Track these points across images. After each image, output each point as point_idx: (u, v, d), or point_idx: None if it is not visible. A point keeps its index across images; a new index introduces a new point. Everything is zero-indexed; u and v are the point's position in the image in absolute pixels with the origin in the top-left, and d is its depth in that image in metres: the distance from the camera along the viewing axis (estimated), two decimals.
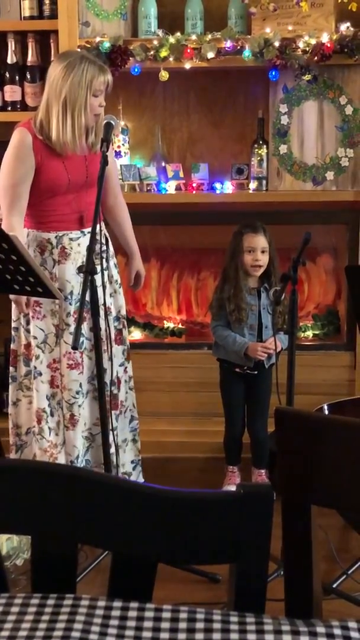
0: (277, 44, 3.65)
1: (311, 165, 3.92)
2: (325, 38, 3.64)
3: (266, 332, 3.41)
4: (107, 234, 3.20)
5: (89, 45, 3.66)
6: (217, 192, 3.96)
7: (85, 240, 2.97)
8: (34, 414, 3.14)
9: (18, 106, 3.87)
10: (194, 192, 3.97)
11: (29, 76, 3.85)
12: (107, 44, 3.69)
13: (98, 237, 2.92)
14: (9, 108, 3.88)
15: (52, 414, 3.11)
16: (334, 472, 1.33)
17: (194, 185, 3.97)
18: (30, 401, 3.15)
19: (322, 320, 4.19)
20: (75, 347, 2.59)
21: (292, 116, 3.90)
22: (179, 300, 4.27)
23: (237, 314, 3.37)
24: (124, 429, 3.27)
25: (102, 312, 2.93)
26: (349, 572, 2.93)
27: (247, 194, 3.94)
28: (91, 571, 2.88)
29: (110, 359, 3.09)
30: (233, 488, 1.21)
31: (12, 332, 3.19)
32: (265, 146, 3.91)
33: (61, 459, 3.10)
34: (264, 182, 3.93)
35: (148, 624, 1.07)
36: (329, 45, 3.64)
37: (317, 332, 4.17)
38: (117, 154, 3.79)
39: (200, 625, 1.07)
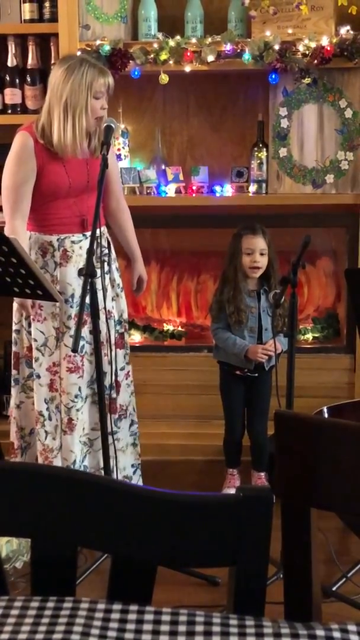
0: (277, 47, 3.65)
1: (311, 169, 3.92)
2: (325, 41, 3.64)
3: (266, 335, 3.41)
4: (109, 238, 3.20)
5: (89, 48, 3.67)
6: (217, 195, 3.96)
7: (86, 244, 2.97)
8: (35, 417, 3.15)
9: (18, 109, 3.88)
10: (194, 195, 3.97)
11: (29, 79, 3.86)
12: (107, 47, 3.69)
13: (100, 241, 2.93)
14: (9, 111, 3.89)
15: (49, 418, 3.11)
16: (334, 475, 1.33)
17: (194, 188, 3.98)
18: (33, 402, 3.15)
19: (321, 323, 4.20)
20: (75, 350, 2.59)
21: (291, 119, 3.90)
22: (178, 302, 4.27)
23: (236, 316, 3.37)
24: (126, 434, 3.26)
25: (102, 316, 2.94)
26: (349, 575, 2.93)
27: (247, 197, 3.94)
28: (91, 574, 2.88)
29: (111, 362, 3.10)
30: (233, 491, 1.21)
31: (14, 335, 3.20)
32: (265, 149, 3.92)
33: (57, 464, 3.09)
34: (264, 185, 3.93)
35: (147, 627, 1.07)
36: (328, 48, 3.64)
37: (316, 335, 4.18)
38: (117, 157, 3.78)
39: (199, 628, 1.07)
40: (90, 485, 1.22)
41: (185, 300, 4.28)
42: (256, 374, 3.44)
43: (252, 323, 3.41)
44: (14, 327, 3.19)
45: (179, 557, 1.23)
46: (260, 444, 3.53)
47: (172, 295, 4.26)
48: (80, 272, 2.75)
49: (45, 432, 3.11)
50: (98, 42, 3.72)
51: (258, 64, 3.69)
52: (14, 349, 3.22)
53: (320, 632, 1.06)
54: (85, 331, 2.95)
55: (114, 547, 1.22)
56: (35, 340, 3.08)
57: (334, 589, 2.85)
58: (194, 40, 3.72)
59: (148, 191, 3.95)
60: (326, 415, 3.41)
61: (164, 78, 3.72)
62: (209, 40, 3.70)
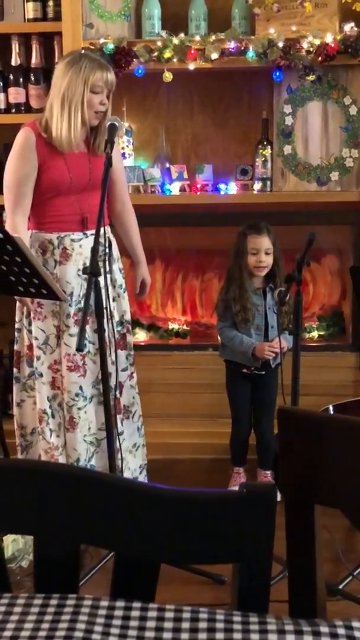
0: (281, 44, 3.65)
1: (315, 166, 3.92)
2: (329, 38, 3.64)
3: (272, 332, 3.41)
4: (112, 237, 3.19)
5: (92, 47, 3.67)
6: (222, 193, 3.96)
7: (87, 242, 2.98)
8: (37, 415, 3.15)
9: (22, 108, 3.89)
10: (198, 193, 3.97)
11: (32, 78, 3.87)
12: (110, 46, 3.69)
13: (101, 240, 2.93)
14: (13, 110, 3.90)
15: (52, 416, 3.11)
16: (338, 472, 1.33)
17: (198, 186, 3.98)
18: (35, 402, 3.16)
19: (327, 321, 4.20)
20: (80, 349, 2.59)
21: (296, 117, 3.90)
22: (183, 301, 4.28)
23: (243, 314, 3.37)
24: (133, 434, 3.26)
25: (105, 316, 2.94)
26: (355, 573, 2.92)
27: (252, 195, 3.94)
28: (96, 573, 2.88)
29: (114, 363, 3.09)
30: (237, 488, 1.21)
31: (15, 334, 3.20)
32: (269, 147, 3.92)
33: (62, 461, 3.10)
34: (269, 182, 3.93)
35: (151, 623, 1.07)
36: (332, 45, 3.64)
37: (322, 333, 4.18)
38: (121, 155, 3.79)
39: (203, 625, 1.07)
40: (93, 483, 1.22)
41: (190, 298, 4.28)
42: (263, 372, 3.44)
43: (258, 321, 3.41)
44: (16, 326, 3.19)
45: (182, 554, 1.23)
46: (267, 442, 3.53)
47: (177, 293, 4.27)
48: (84, 271, 2.75)
49: (50, 430, 3.11)
50: (102, 40, 3.73)
51: (262, 61, 3.69)
52: (15, 347, 3.22)
53: (324, 629, 1.06)
54: (89, 331, 2.94)
55: (117, 544, 1.22)
56: (36, 338, 3.08)
57: (340, 587, 2.85)
58: (197, 38, 3.72)
59: (152, 190, 3.95)
60: (332, 412, 3.41)
61: (168, 76, 3.72)
62: (213, 38, 3.70)
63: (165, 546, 1.20)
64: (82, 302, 2.80)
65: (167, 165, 4.04)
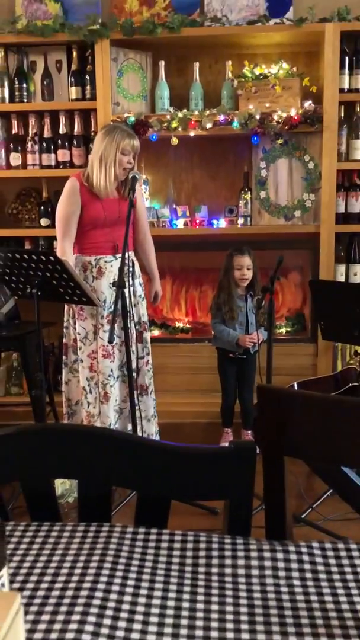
0: (257, 117, 3.65)
1: (283, 206, 3.91)
2: (293, 112, 3.64)
3: (251, 328, 3.42)
4: (135, 260, 3.19)
5: (119, 119, 3.67)
6: (214, 226, 3.96)
7: (116, 263, 2.98)
8: (80, 391, 3.15)
9: (67, 165, 3.89)
10: (197, 226, 3.96)
11: (75, 142, 3.87)
12: (132, 118, 3.69)
13: (127, 262, 2.93)
14: (61, 166, 3.89)
15: (90, 392, 3.11)
16: (301, 432, 1.33)
17: (197, 221, 3.98)
18: (78, 381, 3.16)
19: (292, 321, 4.19)
20: (110, 341, 2.60)
21: (269, 170, 3.89)
22: (186, 306, 4.28)
23: (230, 313, 3.39)
24: (149, 406, 3.26)
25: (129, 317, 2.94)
26: (314, 506, 2.92)
27: (237, 228, 3.93)
28: (122, 506, 2.88)
29: (134, 353, 3.10)
30: (227, 444, 1.21)
31: (64, 330, 3.20)
32: (249, 192, 3.91)
33: (97, 425, 3.10)
34: (249, 219, 3.93)
35: (164, 545, 1.07)
36: (296, 117, 3.64)
37: (288, 329, 4.17)
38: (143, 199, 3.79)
39: (202, 545, 1.07)
40: (120, 441, 1.21)
41: (191, 304, 4.28)
42: (245, 357, 3.44)
43: (241, 319, 3.41)
44: (64, 324, 3.19)
45: (187, 493, 1.23)
46: (248, 409, 3.53)
47: (181, 301, 4.27)
48: (113, 284, 2.75)
49: (88, 402, 3.11)
50: (125, 114, 3.73)
51: (244, 129, 3.68)
52: (64, 340, 3.22)
53: (292, 548, 1.06)
54: (116, 328, 2.94)
55: (139, 485, 1.22)
56: (79, 334, 3.08)
57: (302, 516, 2.84)
58: (196, 113, 3.72)
59: (163, 224, 3.94)
60: (296, 388, 3.40)
61: (175, 141, 3.72)
62: (208, 112, 3.70)
63: (174, 487, 1.20)
64: (112, 307, 2.80)
65: (174, 206, 4.03)
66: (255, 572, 1.00)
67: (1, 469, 1.22)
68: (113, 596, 0.92)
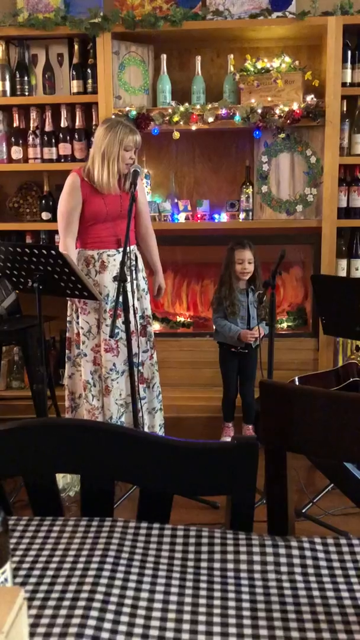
0: (259, 111, 3.64)
1: (285, 201, 3.90)
2: (295, 106, 3.62)
3: (253, 322, 3.41)
4: (138, 254, 3.19)
5: (120, 113, 3.65)
6: (216, 221, 3.95)
7: (119, 257, 2.97)
8: (83, 384, 3.15)
9: (69, 159, 3.88)
10: (199, 221, 3.96)
11: (76, 136, 3.86)
12: (134, 112, 3.68)
13: (130, 255, 2.92)
14: (62, 160, 3.88)
15: (94, 385, 3.11)
16: (302, 427, 1.33)
17: (199, 216, 3.97)
18: (81, 374, 3.16)
19: (293, 315, 4.19)
20: (111, 336, 2.60)
21: (271, 164, 3.88)
22: (187, 301, 4.27)
23: (231, 308, 3.38)
24: (153, 400, 3.26)
25: (131, 311, 2.93)
26: (314, 500, 2.93)
27: (238, 222, 3.93)
28: (124, 500, 2.89)
29: (139, 346, 3.10)
30: (228, 439, 1.21)
31: (67, 324, 3.20)
32: (251, 187, 3.90)
33: (100, 419, 3.11)
34: (250, 213, 3.92)
35: (166, 539, 1.07)
36: (298, 111, 3.63)
37: (290, 324, 4.17)
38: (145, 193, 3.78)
39: (204, 540, 1.07)
40: (123, 436, 1.21)
41: (192, 299, 4.27)
42: (246, 351, 3.44)
43: (242, 313, 3.41)
44: (67, 319, 3.19)
45: (189, 488, 1.23)
46: (249, 403, 3.53)
47: (183, 295, 4.26)
48: (115, 278, 2.75)
49: (92, 395, 3.11)
50: (127, 108, 3.71)
51: (246, 123, 3.67)
52: (67, 334, 3.22)
53: (294, 543, 1.06)
54: (119, 322, 2.94)
55: (141, 480, 1.22)
56: (82, 328, 3.08)
57: (303, 511, 2.85)
58: (198, 107, 3.71)
59: (165, 218, 3.94)
60: (297, 383, 3.40)
61: (176, 134, 3.71)
62: (210, 106, 3.69)
63: (177, 482, 1.20)
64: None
65: (176, 200, 4.03)
66: (257, 567, 1.00)
67: (4, 464, 1.22)
68: (115, 591, 0.93)
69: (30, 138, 3.87)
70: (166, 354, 3.89)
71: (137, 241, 3.22)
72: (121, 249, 2.98)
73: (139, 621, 0.87)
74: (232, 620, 0.88)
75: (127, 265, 2.81)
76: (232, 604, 0.92)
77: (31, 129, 3.88)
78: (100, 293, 3.01)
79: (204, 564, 1.00)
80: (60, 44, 3.87)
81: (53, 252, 2.67)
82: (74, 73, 3.81)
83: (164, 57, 3.79)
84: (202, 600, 0.92)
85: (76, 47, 3.80)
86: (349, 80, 3.71)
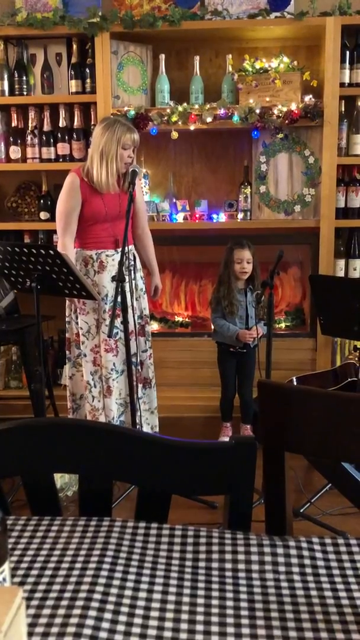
0: (258, 111, 3.64)
1: (283, 201, 3.90)
2: (293, 106, 3.63)
3: (251, 321, 3.42)
4: (136, 253, 3.19)
5: (119, 113, 3.65)
6: (214, 221, 3.95)
7: (118, 257, 2.97)
8: (84, 385, 3.15)
9: (67, 158, 3.88)
10: (197, 221, 3.96)
11: (75, 136, 3.85)
12: (132, 112, 3.68)
13: (128, 255, 2.92)
14: (60, 160, 3.88)
15: (95, 386, 3.11)
16: (301, 427, 1.33)
17: (197, 216, 3.97)
18: (82, 375, 3.16)
19: (291, 315, 4.19)
20: (110, 335, 2.59)
21: (269, 164, 3.88)
22: (186, 300, 4.27)
23: (230, 307, 3.38)
24: (152, 399, 3.26)
25: (130, 311, 2.93)
26: (312, 500, 2.93)
27: (236, 222, 3.93)
28: (122, 500, 2.89)
29: (137, 346, 3.10)
30: (226, 439, 1.21)
31: (66, 325, 3.20)
32: (249, 187, 3.91)
33: (101, 419, 3.11)
34: (249, 213, 3.92)
35: (165, 539, 1.07)
36: (296, 112, 3.63)
37: (288, 324, 4.17)
38: (142, 194, 3.78)
39: (203, 540, 1.07)
40: (122, 435, 1.21)
41: (190, 299, 4.27)
42: (244, 350, 3.44)
43: (241, 313, 3.41)
44: (66, 319, 3.19)
45: (188, 488, 1.23)
46: (247, 402, 3.53)
47: (181, 295, 4.26)
48: (113, 278, 2.75)
49: (92, 396, 3.11)
50: (126, 108, 3.71)
51: (244, 123, 3.68)
52: (66, 335, 3.22)
53: (292, 543, 1.06)
54: (118, 322, 2.94)
55: (140, 480, 1.22)
56: (82, 328, 3.08)
57: (301, 510, 2.85)
58: (196, 106, 3.71)
59: (163, 218, 3.94)
60: (295, 383, 3.41)
61: (175, 134, 3.71)
62: (208, 106, 3.69)
63: (175, 481, 1.20)
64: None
65: (174, 200, 4.03)
66: (255, 567, 1.00)
67: (2, 463, 1.22)
68: (114, 590, 0.93)
69: (29, 138, 3.87)
70: (164, 354, 3.89)
71: (134, 242, 3.22)
72: (119, 249, 2.98)
73: (137, 621, 0.87)
74: (230, 620, 0.88)
75: (125, 266, 2.81)
76: (230, 603, 0.92)
77: (29, 128, 3.88)
78: (99, 293, 3.01)
79: (202, 564, 1.00)
80: (59, 44, 3.87)
81: (51, 251, 2.67)
82: (73, 73, 3.81)
83: (162, 57, 3.79)
84: (200, 600, 0.92)
85: (75, 46, 3.80)
86: (347, 80, 3.71)
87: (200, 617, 0.89)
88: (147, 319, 3.24)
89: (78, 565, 0.99)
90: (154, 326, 4.13)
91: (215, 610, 0.90)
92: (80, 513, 1.21)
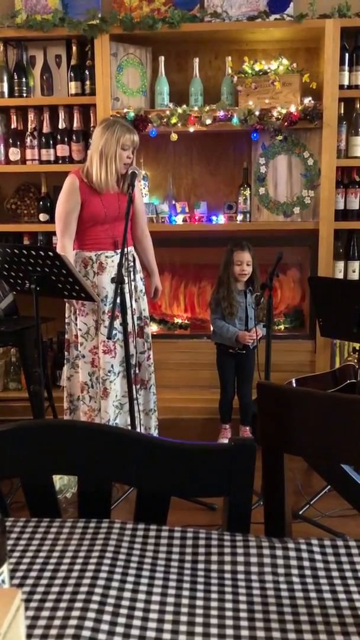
0: (257, 113, 3.64)
1: (282, 203, 3.91)
2: (292, 109, 3.63)
3: (251, 323, 3.42)
4: (135, 255, 3.18)
5: (118, 115, 3.66)
6: (213, 222, 3.96)
7: (117, 258, 2.97)
8: (80, 386, 3.14)
9: (67, 160, 3.88)
10: (196, 223, 3.96)
11: (74, 138, 3.86)
12: (132, 114, 3.68)
13: (127, 257, 2.92)
14: (60, 161, 3.88)
15: (92, 387, 3.11)
16: (300, 429, 1.33)
17: (196, 217, 3.97)
18: (80, 376, 3.15)
19: (290, 317, 4.19)
20: (109, 337, 2.60)
21: (268, 166, 3.89)
22: (185, 302, 4.27)
23: (229, 309, 3.39)
24: (149, 401, 3.26)
25: (129, 312, 2.93)
26: (311, 502, 2.93)
27: (235, 224, 3.93)
28: (121, 502, 2.89)
29: (136, 348, 3.10)
30: (226, 441, 1.20)
31: (65, 326, 3.20)
32: (248, 188, 3.91)
33: (97, 421, 3.10)
34: (248, 215, 3.93)
35: (164, 541, 1.07)
36: (295, 114, 3.63)
37: (287, 326, 4.17)
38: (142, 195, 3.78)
39: (202, 542, 1.07)
40: (120, 437, 1.21)
41: (190, 300, 4.28)
42: (244, 352, 3.44)
43: (240, 314, 3.41)
44: (66, 320, 3.19)
45: (187, 489, 1.23)
46: (246, 404, 3.53)
47: (180, 296, 4.26)
48: (112, 280, 2.74)
49: (89, 397, 3.11)
50: (125, 110, 3.72)
51: (243, 125, 3.68)
52: (65, 336, 3.22)
53: (291, 545, 1.06)
54: (117, 324, 2.94)
55: (139, 482, 1.22)
56: (80, 329, 3.08)
57: (300, 512, 2.85)
58: (196, 108, 3.71)
59: (162, 220, 3.94)
60: (294, 385, 3.41)
61: (174, 136, 3.71)
62: (207, 108, 3.69)
63: (174, 483, 1.20)
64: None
65: (173, 202, 4.03)
66: (254, 568, 1.00)
67: (1, 465, 1.22)
68: (112, 592, 0.93)
69: (28, 139, 3.87)
70: (164, 356, 3.88)
71: (134, 243, 3.22)
72: (119, 251, 2.98)
73: (136, 622, 0.87)
74: (229, 622, 0.88)
75: (124, 267, 2.81)
76: (229, 605, 0.92)
77: (29, 130, 3.88)
78: (99, 294, 3.00)
79: (201, 566, 1.00)
80: (58, 46, 3.88)
81: (51, 253, 2.67)
82: (72, 74, 3.81)
83: (162, 59, 3.80)
84: (199, 602, 0.92)
85: (74, 48, 3.80)
86: (346, 82, 3.71)
87: (199, 619, 0.89)
88: (146, 320, 3.23)
89: (77, 566, 0.99)
90: (153, 328, 4.13)
91: (214, 612, 0.90)
92: (79, 515, 1.21)
